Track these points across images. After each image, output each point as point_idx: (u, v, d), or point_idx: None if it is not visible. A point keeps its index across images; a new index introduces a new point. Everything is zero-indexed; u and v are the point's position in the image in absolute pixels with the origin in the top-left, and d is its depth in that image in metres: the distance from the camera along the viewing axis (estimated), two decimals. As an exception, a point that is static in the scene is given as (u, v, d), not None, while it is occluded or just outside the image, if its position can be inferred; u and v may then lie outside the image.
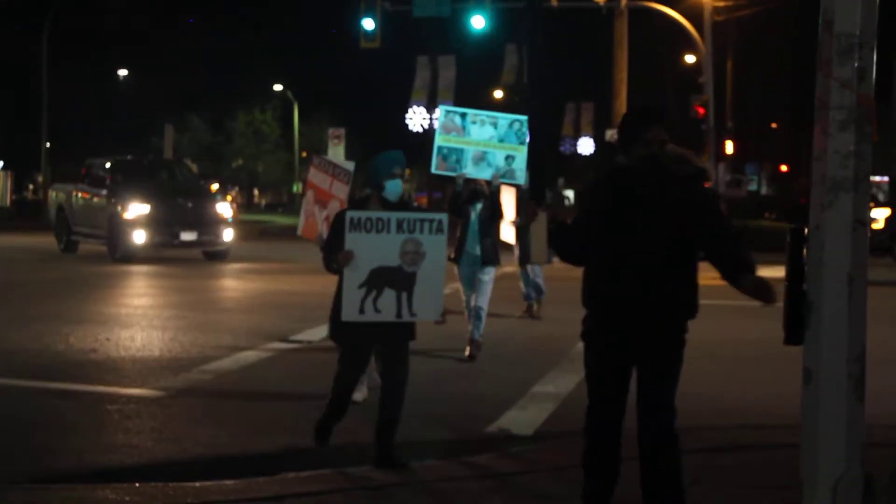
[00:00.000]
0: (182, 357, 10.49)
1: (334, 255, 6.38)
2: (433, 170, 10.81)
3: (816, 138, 3.96)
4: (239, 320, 13.43)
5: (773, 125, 79.83)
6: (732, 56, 46.96)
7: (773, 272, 19.06)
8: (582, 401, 8.30)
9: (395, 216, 6.33)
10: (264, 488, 6.07)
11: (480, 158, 10.51)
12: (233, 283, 19.20)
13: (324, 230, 7.92)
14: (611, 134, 33.58)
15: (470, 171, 10.43)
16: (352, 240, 6.28)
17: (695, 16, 33.68)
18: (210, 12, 60.87)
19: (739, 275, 4.43)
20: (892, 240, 23.23)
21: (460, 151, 10.46)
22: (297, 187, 72.99)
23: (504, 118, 10.81)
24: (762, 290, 4.30)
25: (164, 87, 56.83)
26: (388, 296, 6.32)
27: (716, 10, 34.34)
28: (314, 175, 8.52)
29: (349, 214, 6.30)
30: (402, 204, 6.61)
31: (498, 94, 55.16)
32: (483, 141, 10.52)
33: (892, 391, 8.70)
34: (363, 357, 6.66)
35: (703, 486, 6.12)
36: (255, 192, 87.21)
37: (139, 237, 22.29)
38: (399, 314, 6.34)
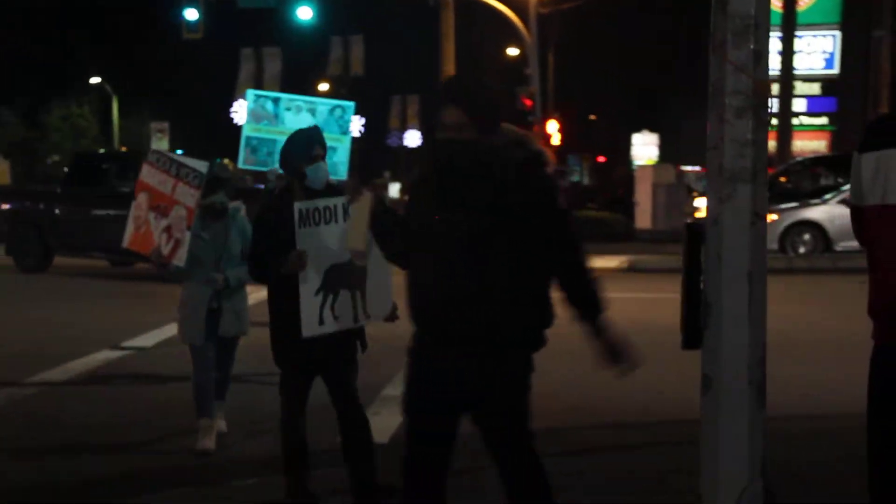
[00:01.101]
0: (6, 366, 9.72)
1: (277, 258, 5.28)
2: (240, 164, 9.47)
3: (711, 126, 3.70)
4: (68, 323, 12.64)
5: (592, 117, 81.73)
6: (554, 49, 47.70)
7: (604, 262, 19.30)
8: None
9: (341, 201, 5.28)
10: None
11: None
12: (56, 283, 18.17)
13: (162, 242, 6.87)
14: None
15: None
16: (304, 237, 5.24)
17: (520, 8, 33.88)
18: None
19: (585, 315, 4.03)
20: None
21: (272, 143, 9.08)
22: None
23: (324, 104, 9.68)
24: (613, 353, 3.96)
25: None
26: (344, 298, 5.33)
27: (540, 2, 34.62)
28: (149, 175, 7.13)
29: (298, 206, 5.22)
30: (332, 190, 5.51)
31: (324, 86, 54.59)
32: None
33: (786, 379, 8.67)
34: (307, 380, 5.59)
35: (572, 492, 5.89)
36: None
37: None
38: (356, 318, 5.37)
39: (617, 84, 71.85)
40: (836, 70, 37.93)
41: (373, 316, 5.26)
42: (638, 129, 72.92)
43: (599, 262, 21.31)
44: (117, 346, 11.07)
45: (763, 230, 3.68)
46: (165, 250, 6.82)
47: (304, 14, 31.48)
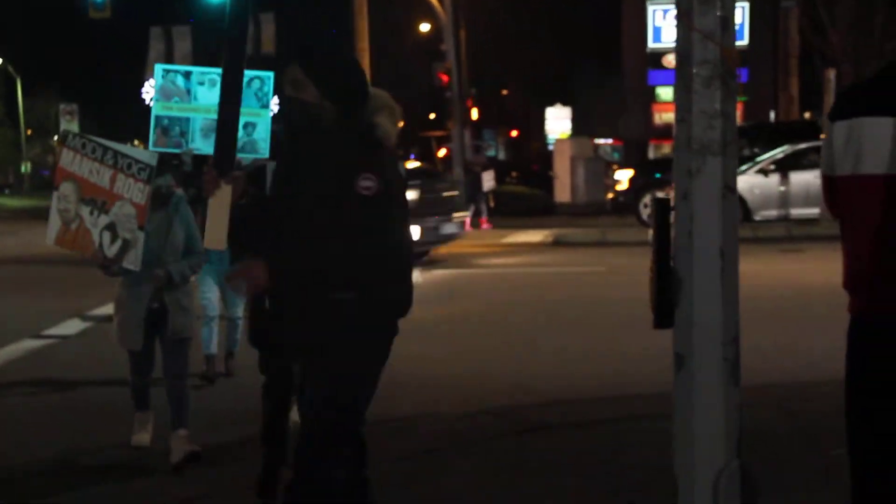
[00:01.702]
0: None
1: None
2: (151, 146, 8.25)
3: (678, 97, 3.58)
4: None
5: (504, 91, 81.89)
6: (465, 24, 47.58)
7: (528, 236, 19.35)
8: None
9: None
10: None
11: (212, 129, 8.76)
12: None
13: (105, 242, 6.04)
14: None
15: (199, 145, 8.17)
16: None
17: (433, -17, 33.62)
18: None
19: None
20: (636, 199, 23.87)
21: (185, 121, 8.35)
22: (25, 167, 68.96)
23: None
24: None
25: None
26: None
27: (454, -24, 34.40)
28: (72, 162, 6.20)
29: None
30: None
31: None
32: (214, 106, 8.49)
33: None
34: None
35: (521, 471, 5.79)
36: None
37: None
38: None
39: (529, 58, 72.02)
40: (745, 41, 38.31)
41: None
42: (551, 103, 73.19)
43: (523, 237, 21.59)
44: (39, 335, 10.72)
45: (735, 204, 3.57)
46: (111, 252, 6.00)
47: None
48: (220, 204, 3.87)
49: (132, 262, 6.01)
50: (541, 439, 6.48)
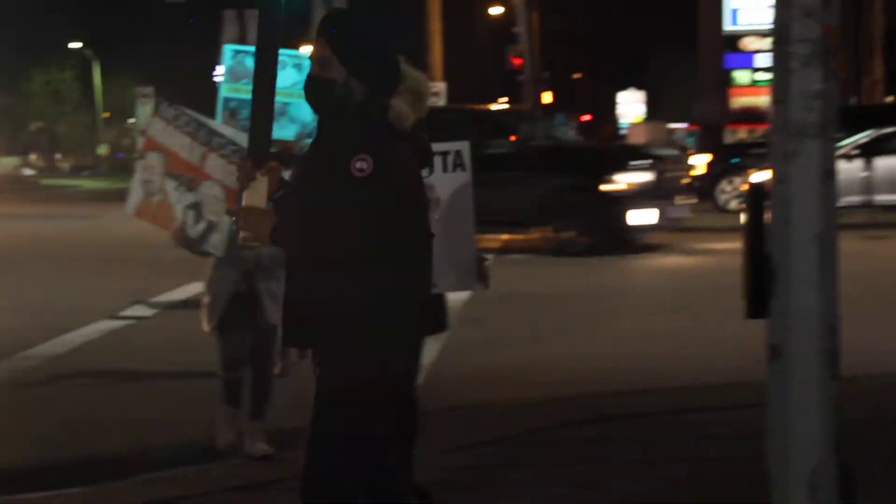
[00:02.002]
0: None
1: None
2: None
3: (776, 77, 3.44)
4: (62, 294, 12.33)
5: (576, 75, 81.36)
6: (538, 7, 47.27)
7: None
8: (445, 370, 7.75)
9: None
10: (117, 496, 5.29)
11: (281, 113, 7.98)
12: (55, 250, 17.84)
13: (189, 221, 5.72)
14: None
15: None
16: None
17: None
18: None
19: None
20: (712, 184, 23.49)
21: None
22: (102, 149, 69.94)
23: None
24: None
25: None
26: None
27: (528, -42, 34.17)
28: (163, 133, 5.84)
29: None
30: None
31: (307, 48, 53.97)
32: (284, 89, 7.91)
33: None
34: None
35: (600, 462, 5.67)
36: (59, 155, 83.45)
37: None
38: None
39: (601, 41, 71.48)
40: (827, 23, 37.47)
41: (442, 286, 4.55)
42: (623, 87, 72.57)
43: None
44: (116, 315, 10.80)
45: (833, 189, 3.42)
46: (194, 232, 5.69)
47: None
48: (255, 197, 3.69)
49: (215, 246, 5.70)
50: (619, 428, 6.36)
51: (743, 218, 3.51)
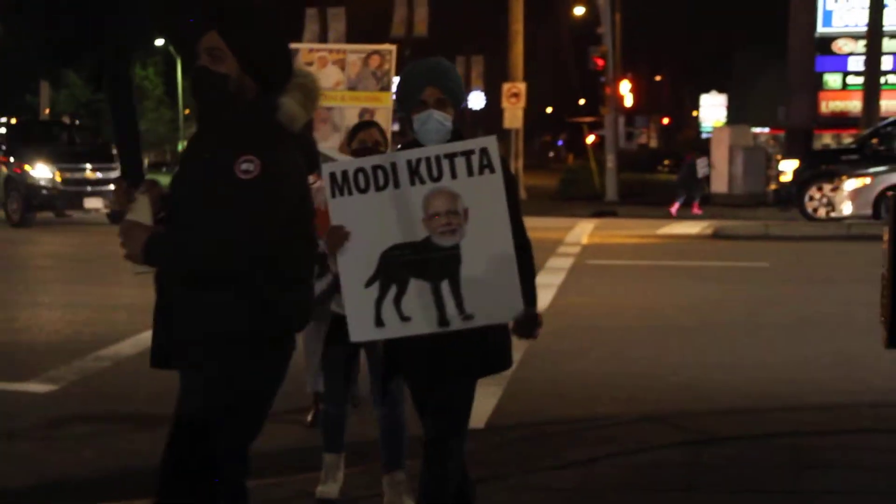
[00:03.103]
0: (75, 341, 9.28)
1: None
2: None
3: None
4: (136, 295, 12.19)
5: (658, 78, 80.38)
6: (621, 8, 46.70)
7: (685, 227, 18.52)
8: (528, 383, 7.38)
9: (402, 157, 3.89)
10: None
11: (323, 119, 7.33)
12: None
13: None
14: (507, 86, 32.70)
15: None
16: (339, 208, 3.90)
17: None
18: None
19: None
20: (800, 191, 22.82)
21: None
22: (182, 145, 70.73)
23: (356, 52, 7.48)
24: None
25: (35, 40, 54.15)
26: (419, 291, 3.86)
27: (613, -42, 33.61)
28: None
29: (327, 168, 3.94)
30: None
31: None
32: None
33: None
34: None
35: (697, 492, 5.29)
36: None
37: (42, 202, 21.79)
38: (444, 320, 3.85)
39: (684, 43, 70.49)
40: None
41: (480, 319, 3.85)
42: (705, 90, 71.48)
43: (680, 228, 20.87)
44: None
45: None
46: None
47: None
48: (139, 217, 3.38)
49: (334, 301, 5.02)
50: (713, 451, 5.96)
51: (885, 234, 3.11)
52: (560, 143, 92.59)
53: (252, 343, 3.37)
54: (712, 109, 70.58)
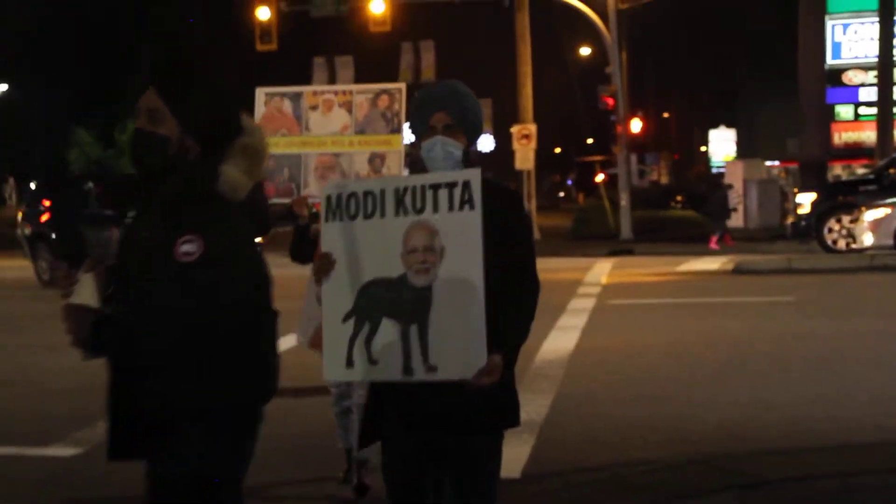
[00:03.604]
0: (94, 400, 9.10)
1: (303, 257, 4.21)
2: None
3: None
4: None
5: (666, 115, 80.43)
6: (627, 46, 46.81)
7: (705, 264, 18.24)
8: (562, 428, 7.17)
9: (391, 184, 3.63)
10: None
11: (330, 167, 6.68)
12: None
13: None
14: (518, 128, 32.71)
15: (314, 191, 6.34)
16: (329, 234, 3.67)
17: (597, 5, 32.98)
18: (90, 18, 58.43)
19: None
20: (819, 223, 22.62)
21: (295, 161, 6.58)
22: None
23: (364, 93, 6.72)
24: None
25: (43, 99, 54.45)
26: (389, 333, 3.56)
27: (618, -2, 33.64)
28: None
29: (325, 190, 3.74)
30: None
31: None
32: (332, 136, 6.68)
33: None
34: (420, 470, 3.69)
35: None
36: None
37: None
38: (408, 368, 3.52)
39: (691, 80, 70.58)
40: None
41: (442, 373, 3.47)
42: (714, 126, 71.48)
43: (700, 265, 20.68)
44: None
45: None
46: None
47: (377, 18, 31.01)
48: (84, 299, 3.20)
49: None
50: (761, 496, 5.78)
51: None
52: (570, 182, 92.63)
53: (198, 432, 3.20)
54: (722, 144, 70.54)
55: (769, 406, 8.23)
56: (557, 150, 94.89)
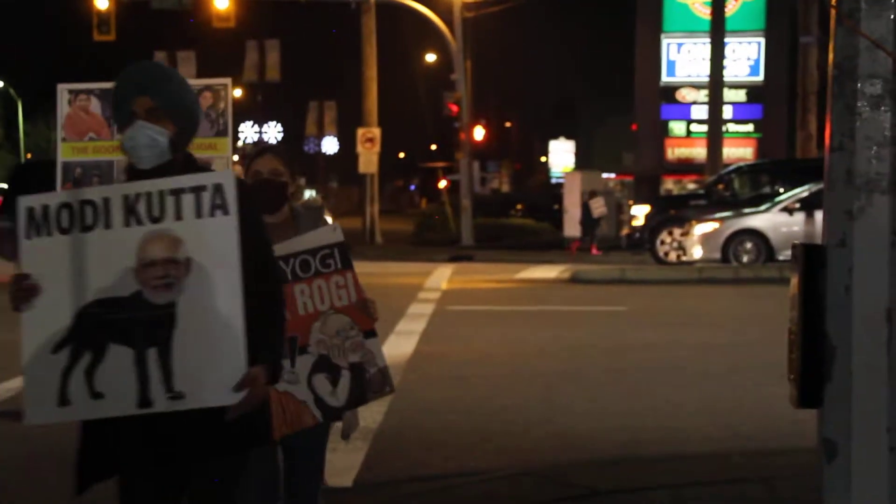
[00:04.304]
0: None
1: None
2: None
3: (835, 119, 2.89)
4: None
5: (508, 124, 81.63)
6: (472, 55, 47.24)
7: (542, 272, 18.44)
8: (397, 436, 7.04)
9: (118, 191, 3.26)
10: None
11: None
12: None
13: (323, 392, 4.29)
14: (362, 132, 32.61)
15: None
16: (31, 253, 3.26)
17: (443, 12, 33.16)
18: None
19: None
20: (652, 236, 23.16)
21: (108, 168, 5.43)
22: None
23: None
24: None
25: None
26: (117, 361, 3.21)
27: (465, 6, 33.87)
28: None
29: (23, 202, 3.27)
30: (174, 168, 3.33)
31: (238, 92, 53.35)
32: None
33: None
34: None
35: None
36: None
37: None
38: (145, 399, 3.19)
39: (533, 91, 71.85)
40: (760, 77, 37.82)
41: (192, 401, 3.19)
42: (555, 137, 72.83)
43: (538, 273, 20.94)
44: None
45: (904, 254, 2.86)
46: (337, 400, 4.41)
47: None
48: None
49: (388, 382, 4.40)
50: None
51: (793, 286, 2.94)
52: (412, 187, 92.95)
53: None
54: (561, 155, 71.91)
55: (602, 415, 8.28)
56: (402, 154, 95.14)
